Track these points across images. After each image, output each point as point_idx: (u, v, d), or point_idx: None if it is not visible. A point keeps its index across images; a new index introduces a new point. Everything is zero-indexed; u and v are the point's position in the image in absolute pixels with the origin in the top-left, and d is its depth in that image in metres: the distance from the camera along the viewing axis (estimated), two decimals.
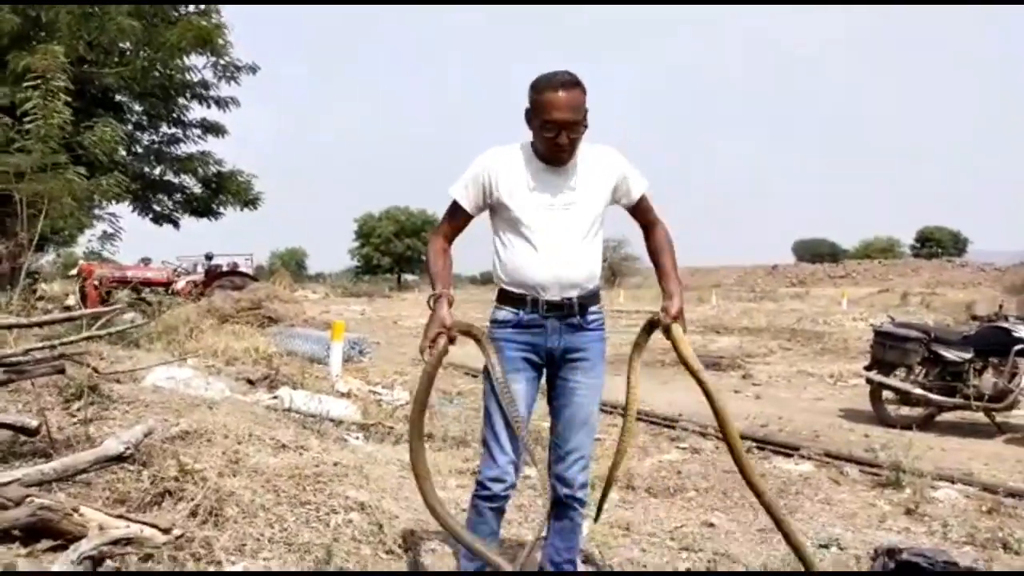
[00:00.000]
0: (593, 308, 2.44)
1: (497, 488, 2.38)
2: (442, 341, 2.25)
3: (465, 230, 2.49)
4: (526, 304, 2.37)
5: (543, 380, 2.49)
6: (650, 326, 2.43)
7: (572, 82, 2.25)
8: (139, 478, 2.87)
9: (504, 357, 2.38)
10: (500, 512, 2.45)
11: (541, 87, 2.25)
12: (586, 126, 2.29)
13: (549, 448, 2.51)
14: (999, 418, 6.04)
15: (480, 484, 2.43)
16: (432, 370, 2.28)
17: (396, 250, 48.38)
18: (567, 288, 2.36)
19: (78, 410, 3.48)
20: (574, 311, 2.38)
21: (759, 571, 2.91)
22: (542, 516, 2.37)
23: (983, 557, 3.21)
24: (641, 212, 2.50)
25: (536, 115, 2.27)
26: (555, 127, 2.23)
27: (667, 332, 2.35)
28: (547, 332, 2.38)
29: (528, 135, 2.37)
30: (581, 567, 2.54)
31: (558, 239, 2.33)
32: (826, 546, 3.35)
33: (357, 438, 4.85)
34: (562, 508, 2.46)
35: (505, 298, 2.42)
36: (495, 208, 2.39)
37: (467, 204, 2.41)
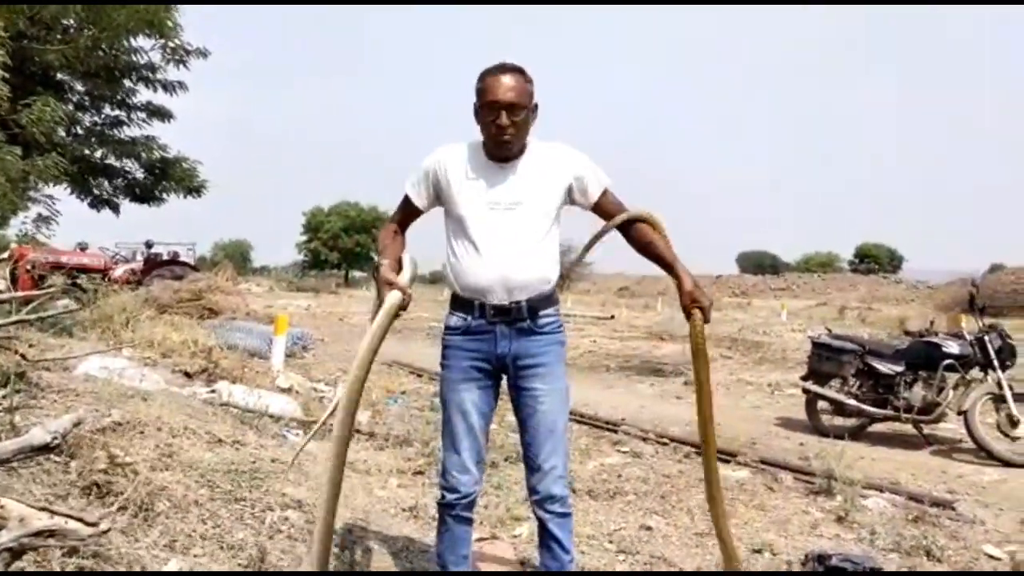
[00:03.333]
0: (546, 311, 2.33)
1: (451, 497, 2.33)
2: (395, 295, 2.15)
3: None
4: (474, 309, 2.30)
5: (504, 387, 2.41)
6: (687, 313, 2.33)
7: (515, 68, 2.24)
8: (66, 470, 2.77)
9: (456, 366, 2.33)
10: (462, 520, 2.37)
11: (484, 74, 2.25)
12: (534, 115, 2.27)
13: (524, 463, 2.40)
14: (927, 430, 6.25)
15: (440, 492, 2.40)
16: (384, 323, 2.12)
17: (344, 246, 47.78)
18: (514, 291, 2.27)
19: (3, 398, 3.33)
20: (523, 315, 2.28)
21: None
22: None
23: (908, 564, 3.32)
24: (607, 213, 2.37)
25: (478, 98, 2.24)
26: (496, 108, 2.19)
27: (688, 317, 2.30)
28: (496, 338, 2.29)
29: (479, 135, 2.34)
30: None
31: (502, 240, 2.26)
32: (759, 551, 3.42)
33: (297, 435, 4.76)
34: (544, 526, 2.35)
35: (455, 303, 2.36)
36: (445, 207, 2.35)
37: (418, 200, 2.37)
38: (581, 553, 3.21)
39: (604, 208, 2.37)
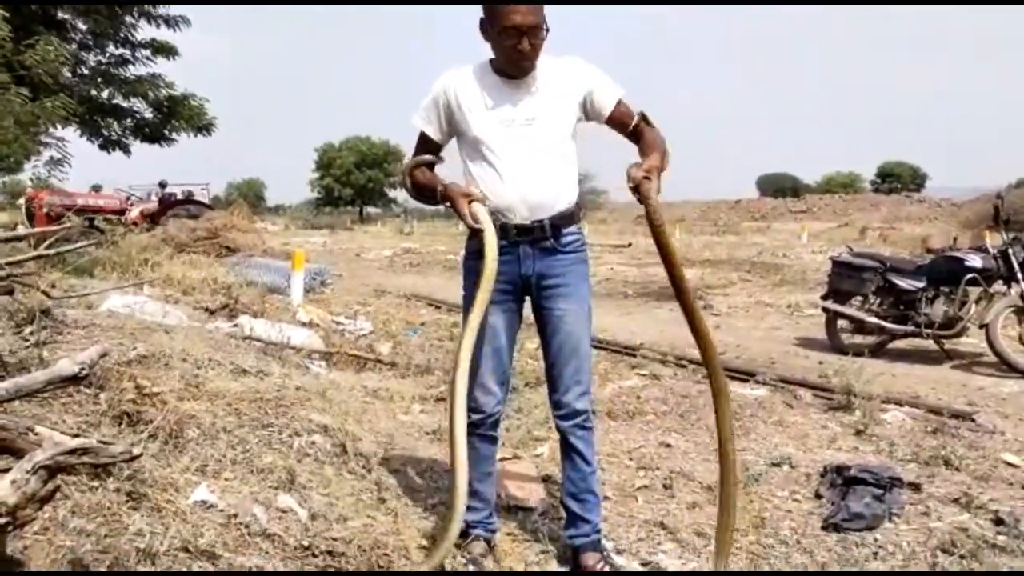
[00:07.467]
0: (568, 230, 2.31)
1: (476, 416, 2.35)
2: (476, 205, 2.18)
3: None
4: (496, 231, 2.26)
5: (528, 310, 2.41)
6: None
7: None
8: (96, 401, 2.83)
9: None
10: (487, 439, 2.42)
11: None
12: (547, 30, 2.17)
13: (547, 381, 2.43)
14: (948, 345, 6.25)
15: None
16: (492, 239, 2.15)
17: (358, 181, 47.43)
18: (536, 209, 2.24)
19: (30, 334, 3.39)
20: (546, 234, 2.26)
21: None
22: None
23: (926, 473, 3.36)
24: (623, 123, 2.27)
25: (494, 23, 2.13)
26: (516, 33, 2.11)
27: (636, 190, 2.02)
28: (520, 258, 2.28)
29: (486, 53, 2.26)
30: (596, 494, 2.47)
31: (521, 157, 2.22)
32: (778, 464, 3.46)
33: (319, 365, 4.84)
34: (566, 440, 2.39)
35: None
36: (458, 131, 2.29)
37: (432, 132, 2.32)
38: (601, 470, 3.27)
39: (619, 119, 2.29)
